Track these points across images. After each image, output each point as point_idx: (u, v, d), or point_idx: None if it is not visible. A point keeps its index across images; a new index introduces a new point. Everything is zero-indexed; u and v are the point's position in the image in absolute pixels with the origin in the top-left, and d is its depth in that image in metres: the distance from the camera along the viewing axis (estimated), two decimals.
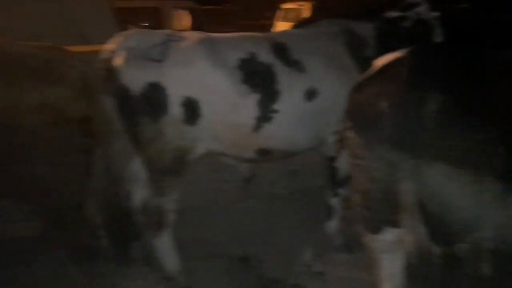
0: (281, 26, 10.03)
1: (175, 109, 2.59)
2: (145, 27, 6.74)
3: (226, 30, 3.09)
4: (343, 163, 3.04)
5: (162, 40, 2.66)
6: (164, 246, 2.79)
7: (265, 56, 2.77)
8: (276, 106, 2.73)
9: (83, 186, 2.48)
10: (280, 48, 2.83)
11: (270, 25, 10.68)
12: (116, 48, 2.63)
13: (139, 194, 2.84)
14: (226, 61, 2.69)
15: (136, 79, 2.56)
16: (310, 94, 2.82)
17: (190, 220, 3.13)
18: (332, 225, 3.23)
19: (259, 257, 3.18)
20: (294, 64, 2.81)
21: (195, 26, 7.59)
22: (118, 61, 2.58)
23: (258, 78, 2.71)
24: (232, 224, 3.49)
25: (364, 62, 2.80)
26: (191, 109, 2.61)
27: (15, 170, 2.22)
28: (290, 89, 2.76)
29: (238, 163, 3.08)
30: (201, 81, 2.63)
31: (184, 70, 2.60)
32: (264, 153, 2.91)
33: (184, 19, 8.36)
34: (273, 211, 3.71)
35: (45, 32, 3.60)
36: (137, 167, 2.79)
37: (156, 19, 7.77)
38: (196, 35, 2.77)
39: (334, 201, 3.19)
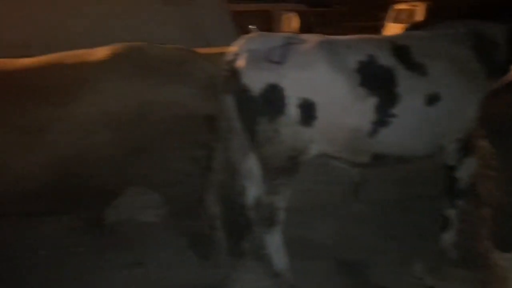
0: (393, 27, 9.69)
1: (292, 110, 2.63)
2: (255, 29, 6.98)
3: (335, 32, 3.09)
4: (464, 173, 2.89)
5: (283, 43, 2.72)
6: (274, 243, 2.85)
7: (385, 58, 2.70)
8: (394, 111, 2.66)
9: (204, 179, 2.63)
10: (401, 51, 2.74)
11: (381, 27, 10.36)
12: (238, 50, 2.76)
13: (253, 190, 2.94)
14: (345, 64, 2.67)
15: (256, 80, 2.66)
16: (432, 99, 2.70)
17: (298, 220, 3.19)
18: (448, 237, 3.05)
19: (365, 263, 3.13)
20: (416, 68, 2.70)
21: (304, 28, 7.65)
22: (239, 62, 2.70)
23: (377, 81, 2.66)
24: (340, 228, 3.47)
25: (494, 67, 2.63)
26: (308, 111, 2.64)
27: (147, 160, 2.43)
28: (411, 93, 2.67)
29: (349, 167, 3.04)
30: (319, 83, 2.64)
31: (302, 72, 2.64)
32: (378, 158, 2.84)
33: (293, 21, 8.46)
34: (382, 218, 3.62)
35: (171, 35, 3.92)
36: (252, 164, 2.90)
37: (267, 21, 7.98)
38: (316, 37, 2.79)
39: (451, 213, 3.01)
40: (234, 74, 2.70)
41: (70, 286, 2.91)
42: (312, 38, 2.78)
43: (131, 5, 4.24)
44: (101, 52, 2.43)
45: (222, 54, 2.85)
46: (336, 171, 3.15)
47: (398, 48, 2.76)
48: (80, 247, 3.24)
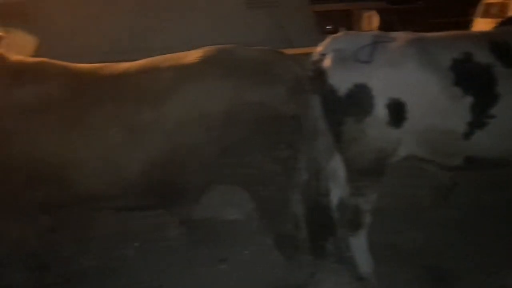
0: (482, 23, 9.08)
1: (380, 111, 2.57)
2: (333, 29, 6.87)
3: (418, 30, 2.95)
4: None
5: (370, 41, 2.67)
6: (359, 246, 2.80)
7: (483, 56, 2.55)
8: (493, 111, 2.50)
9: (290, 179, 2.64)
10: (500, 47, 2.58)
11: (469, 23, 9.75)
12: (324, 50, 2.75)
13: (337, 191, 2.91)
14: (437, 62, 2.56)
15: (342, 80, 2.62)
16: None
17: (384, 223, 3.09)
18: None
19: (454, 272, 2.96)
20: None
21: (385, 27, 7.40)
22: (326, 62, 2.69)
23: (473, 80, 2.52)
24: (428, 233, 3.32)
25: None
26: (397, 111, 2.56)
27: (235, 159, 2.49)
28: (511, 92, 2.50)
29: (439, 170, 2.91)
30: (409, 82, 2.55)
31: (392, 71, 2.57)
32: (472, 162, 2.69)
33: (373, 20, 8.25)
34: (474, 225, 3.41)
35: (255, 37, 4.00)
36: (337, 165, 2.87)
37: (347, 21, 7.82)
38: (405, 35, 2.70)
39: None
40: (320, 74, 2.69)
41: (158, 278, 3.05)
42: (402, 36, 2.69)
43: (217, 10, 4.40)
44: (193, 55, 2.54)
45: (307, 54, 2.86)
46: (425, 175, 3.03)
47: (497, 45, 2.60)
48: (169, 241, 3.41)
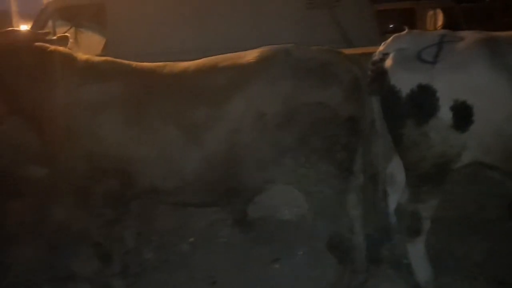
0: None
1: (445, 113, 2.45)
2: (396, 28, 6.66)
3: (485, 29, 2.78)
4: None
5: (436, 41, 2.56)
6: (417, 254, 2.70)
7: None
8: None
9: (346, 181, 2.58)
10: None
11: None
12: (386, 50, 2.66)
13: (395, 196, 2.82)
14: (509, 63, 2.41)
15: (405, 81, 2.53)
16: None
17: (445, 232, 2.96)
18: None
19: None
20: None
21: (451, 26, 7.08)
22: (388, 62, 2.61)
23: None
24: (492, 244, 3.13)
25: None
26: (463, 115, 2.43)
27: (291, 159, 2.47)
28: None
29: (507, 178, 2.73)
30: (477, 84, 2.42)
31: (458, 72, 2.44)
32: None
33: (438, 19, 7.92)
34: None
35: (315, 37, 3.97)
36: (395, 169, 2.78)
37: (410, 20, 7.57)
38: (475, 34, 2.56)
39: None
40: (381, 74, 2.62)
41: (212, 274, 3.09)
42: (471, 35, 2.56)
43: (277, 11, 4.41)
44: (250, 55, 2.54)
45: (367, 54, 2.78)
46: (490, 182, 2.87)
47: None
48: (223, 238, 3.46)
